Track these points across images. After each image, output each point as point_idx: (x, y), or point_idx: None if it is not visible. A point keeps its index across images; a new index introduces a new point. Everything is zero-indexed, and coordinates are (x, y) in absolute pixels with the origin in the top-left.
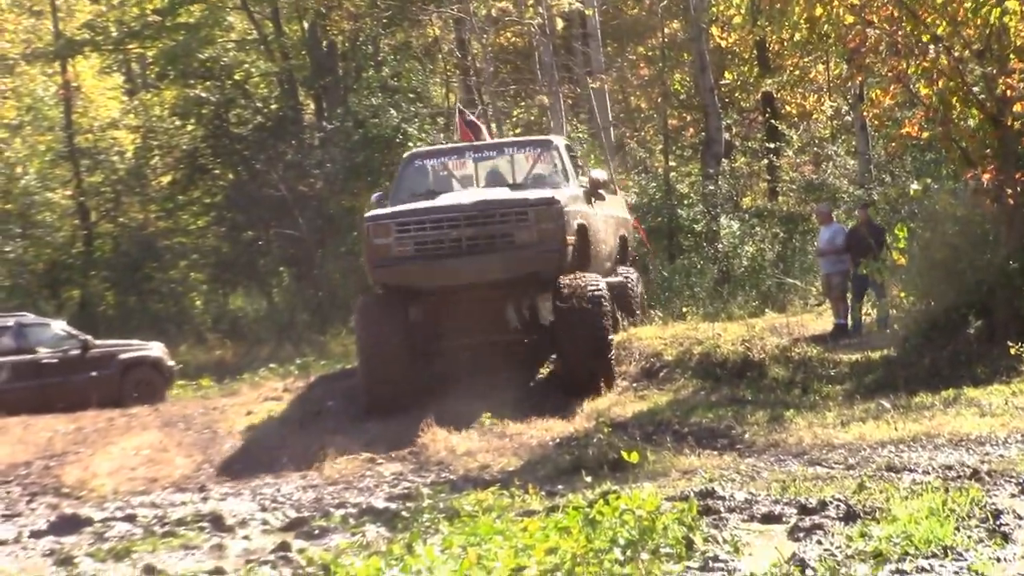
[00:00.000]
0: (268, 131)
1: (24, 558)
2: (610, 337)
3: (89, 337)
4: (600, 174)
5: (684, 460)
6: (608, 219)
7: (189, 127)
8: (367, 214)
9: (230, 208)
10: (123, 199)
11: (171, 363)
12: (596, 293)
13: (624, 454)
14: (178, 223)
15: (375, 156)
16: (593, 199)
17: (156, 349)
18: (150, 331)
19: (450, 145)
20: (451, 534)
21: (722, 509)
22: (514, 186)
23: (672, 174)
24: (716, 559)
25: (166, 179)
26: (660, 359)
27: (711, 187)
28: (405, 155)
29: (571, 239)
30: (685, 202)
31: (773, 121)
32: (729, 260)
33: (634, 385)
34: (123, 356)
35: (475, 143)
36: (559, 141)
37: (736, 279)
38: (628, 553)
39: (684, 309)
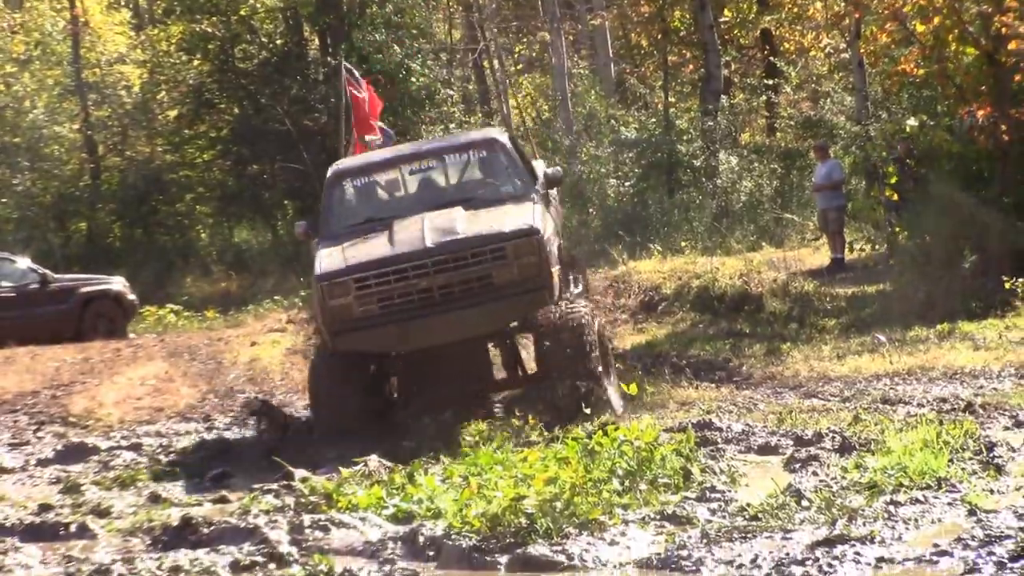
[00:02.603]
0: (273, 66)
1: (31, 486)
2: (599, 369)
3: (48, 272)
4: (555, 170)
5: (682, 392)
6: (556, 216)
7: (195, 62)
8: (317, 272)
9: (236, 142)
10: (130, 133)
11: (132, 297)
12: (581, 325)
13: (623, 386)
14: (184, 157)
15: (378, 91)
16: (550, 201)
17: (117, 283)
18: (157, 263)
19: (380, 157)
20: (452, 464)
21: (719, 440)
22: (465, 201)
23: (671, 110)
24: (713, 489)
25: (172, 113)
26: (658, 293)
27: (710, 123)
28: (329, 174)
29: (556, 270)
30: (684, 138)
31: (771, 58)
32: (727, 195)
33: (633, 318)
34: (83, 290)
35: (405, 152)
36: (503, 137)
37: (734, 214)
38: (626, 483)
39: (683, 243)
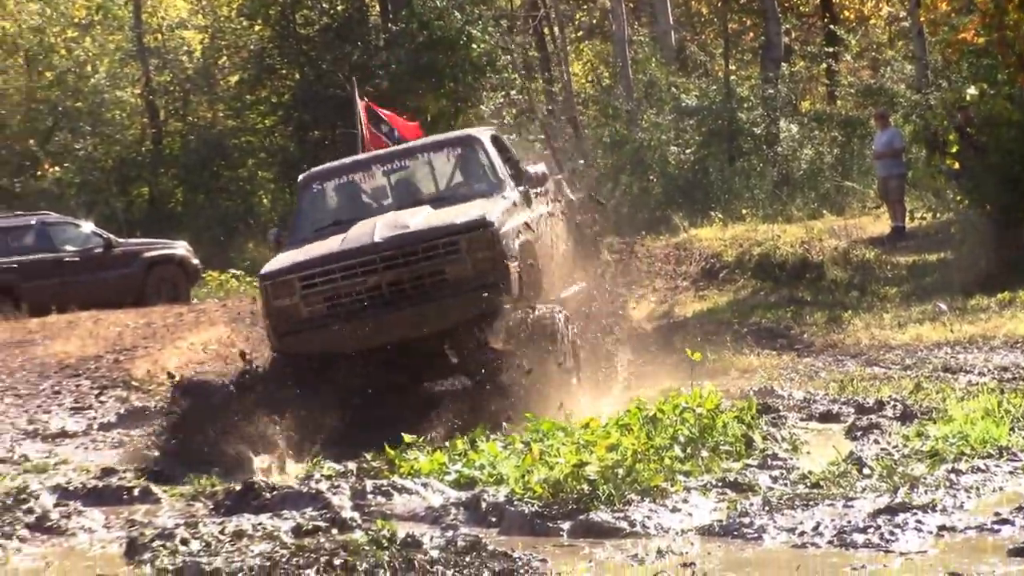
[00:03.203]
0: (334, 32)
1: (93, 450)
2: (573, 380)
3: (112, 236)
4: (539, 168)
5: (743, 360)
6: (557, 213)
7: (256, 27)
8: (262, 271)
9: (297, 108)
10: (191, 98)
11: (195, 262)
12: (553, 332)
13: (688, 352)
14: (246, 122)
15: (439, 58)
16: (535, 200)
17: (181, 248)
18: (218, 228)
19: (351, 159)
20: (514, 430)
21: (781, 408)
22: (436, 200)
23: (732, 78)
24: (775, 457)
25: (234, 79)
26: (720, 260)
27: (770, 91)
28: (300, 178)
29: (515, 266)
30: (745, 105)
31: (831, 26)
32: (788, 163)
33: (694, 285)
34: (147, 255)
35: (379, 152)
36: (483, 135)
37: (795, 182)
38: (688, 450)
39: (743, 211)
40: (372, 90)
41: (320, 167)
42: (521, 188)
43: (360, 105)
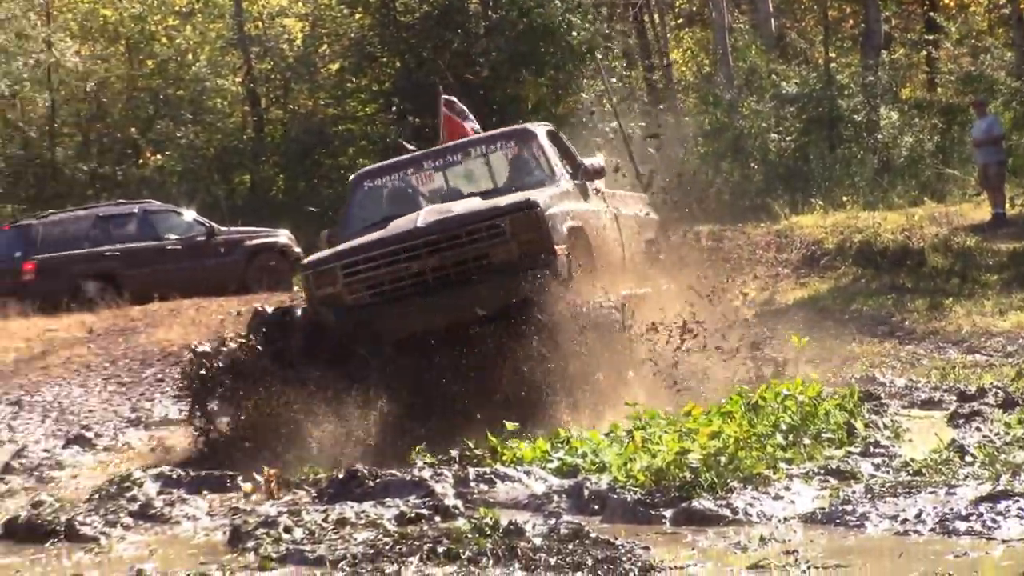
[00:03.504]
0: (434, 20)
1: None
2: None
3: (214, 224)
4: (597, 161)
5: (845, 347)
6: (621, 217)
7: (357, 16)
8: (305, 261)
9: (398, 95)
10: (292, 86)
11: (297, 250)
12: (608, 320)
13: (795, 339)
14: (346, 110)
15: (539, 45)
16: (592, 194)
17: (283, 236)
18: (320, 216)
19: (405, 157)
20: (616, 418)
21: (882, 395)
22: (487, 193)
23: (832, 65)
24: (877, 444)
25: (334, 67)
26: (820, 247)
27: (870, 78)
28: (352, 177)
29: (562, 248)
30: (845, 93)
31: (931, 13)
32: (888, 150)
33: (795, 272)
34: (249, 243)
35: (430, 149)
36: (539, 130)
37: (895, 169)
38: (790, 438)
39: (844, 198)
40: (473, 78)
41: (372, 166)
42: (577, 181)
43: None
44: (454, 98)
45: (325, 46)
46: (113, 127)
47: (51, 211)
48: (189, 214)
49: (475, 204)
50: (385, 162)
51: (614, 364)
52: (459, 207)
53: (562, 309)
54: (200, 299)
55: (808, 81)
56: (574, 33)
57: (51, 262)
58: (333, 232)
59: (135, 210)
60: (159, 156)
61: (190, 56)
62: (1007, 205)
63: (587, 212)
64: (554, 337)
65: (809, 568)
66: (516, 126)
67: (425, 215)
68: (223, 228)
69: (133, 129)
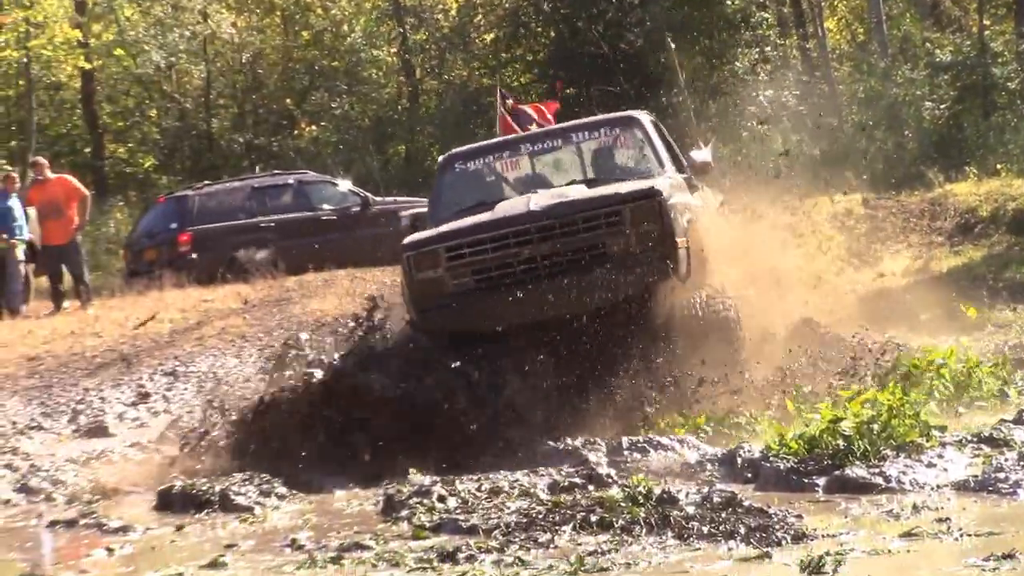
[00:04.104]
0: None
1: None
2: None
3: (369, 195)
4: (704, 155)
5: (999, 315)
6: (721, 219)
7: None
8: (404, 241)
9: (552, 65)
10: (447, 56)
11: None
12: (728, 320)
13: (963, 308)
14: (501, 80)
15: (693, 14)
16: (699, 190)
17: None
18: None
19: (500, 139)
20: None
21: None
22: (591, 182)
23: (987, 32)
24: None
25: (489, 37)
26: (974, 215)
27: None
28: (441, 159)
29: (683, 241)
30: (1000, 60)
31: None
32: None
33: (949, 240)
34: (405, 213)
35: (529, 133)
36: (644, 117)
37: None
38: (944, 406)
39: (999, 166)
40: (626, 47)
41: (464, 147)
42: (684, 175)
43: (499, 97)
44: (511, 99)
45: (480, 16)
46: (268, 99)
47: (207, 182)
48: (344, 184)
49: (591, 190)
50: (478, 144)
51: (728, 366)
52: (573, 192)
53: (678, 306)
54: (354, 269)
55: (962, 49)
56: (728, 1)
57: (207, 233)
58: (418, 216)
59: (290, 181)
60: (314, 127)
61: (345, 27)
62: None
63: (697, 207)
64: (669, 335)
65: (962, 536)
66: (621, 113)
67: (537, 199)
68: (377, 199)
69: (288, 100)
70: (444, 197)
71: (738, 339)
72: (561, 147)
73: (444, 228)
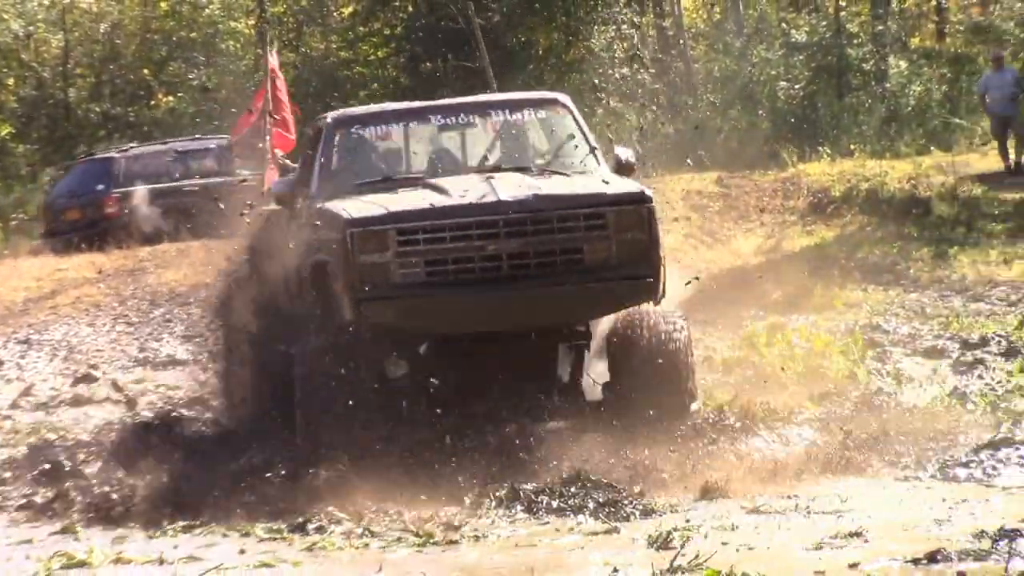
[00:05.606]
0: None
1: None
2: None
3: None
4: (628, 154)
5: (849, 294)
6: None
7: None
8: (346, 216)
9: (409, 40)
10: (304, 29)
11: None
12: (676, 340)
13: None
14: (358, 54)
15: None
16: None
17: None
18: None
19: (403, 105)
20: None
21: (886, 343)
22: (519, 170)
23: (842, 13)
24: (879, 391)
25: (347, 11)
26: (827, 195)
27: (880, 27)
28: (330, 119)
29: (663, 258)
30: (855, 41)
31: None
32: (896, 99)
33: (801, 220)
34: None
35: (439, 103)
36: (569, 101)
37: (903, 118)
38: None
39: (852, 146)
40: (485, 23)
41: (358, 109)
42: (614, 171)
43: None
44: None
45: None
46: (126, 69)
47: (132, 144)
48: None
49: (570, 184)
50: (376, 108)
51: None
52: (549, 184)
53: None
54: (208, 240)
55: (818, 29)
56: None
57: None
58: (288, 184)
59: (211, 146)
60: (171, 98)
61: None
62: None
63: None
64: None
65: (810, 514)
66: (545, 92)
67: (503, 186)
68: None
69: (146, 71)
70: (335, 165)
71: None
72: (476, 124)
73: (394, 206)
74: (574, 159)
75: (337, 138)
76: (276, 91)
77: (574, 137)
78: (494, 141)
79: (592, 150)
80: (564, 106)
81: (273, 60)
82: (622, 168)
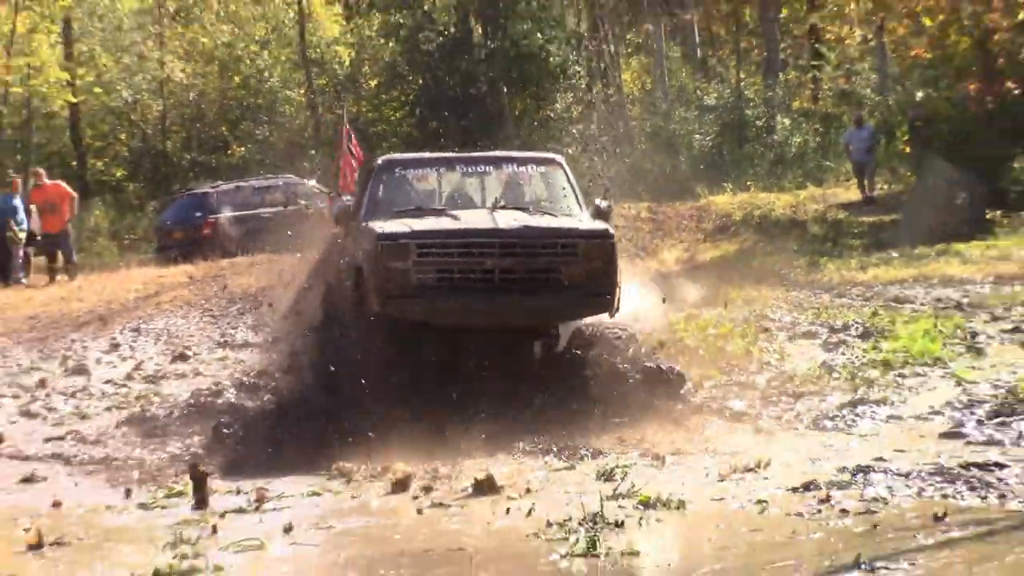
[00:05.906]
0: (448, 48)
1: None
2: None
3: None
4: (605, 205)
5: (746, 292)
6: None
7: (390, 44)
8: (377, 232)
9: (419, 105)
10: (342, 96)
11: None
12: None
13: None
14: (382, 115)
15: (525, 67)
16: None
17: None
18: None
19: (437, 155)
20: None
21: (773, 328)
22: (524, 209)
23: (742, 83)
24: (768, 364)
25: (373, 83)
26: (730, 219)
27: (770, 93)
28: (380, 161)
29: (620, 281)
30: (751, 104)
31: (816, 45)
32: (782, 147)
33: (710, 238)
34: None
35: (463, 155)
36: (562, 160)
37: (787, 161)
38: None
39: (748, 183)
40: (475, 92)
41: (402, 154)
42: (593, 216)
43: (345, 129)
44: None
45: (367, 67)
46: (209, 126)
47: (220, 183)
48: (311, 184)
49: (553, 220)
50: (416, 154)
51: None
52: (537, 219)
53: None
54: (272, 255)
55: (723, 95)
56: (550, 59)
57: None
58: (346, 209)
59: (279, 183)
60: (242, 148)
61: (266, 74)
62: (871, 190)
63: None
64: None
65: (715, 454)
66: (546, 154)
67: (503, 218)
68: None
69: (224, 128)
70: (383, 195)
71: (629, 367)
72: (491, 173)
73: (417, 226)
74: (562, 204)
75: (384, 176)
76: (353, 144)
77: (564, 188)
78: (503, 186)
79: (577, 198)
80: (560, 165)
81: (346, 123)
82: (600, 213)
